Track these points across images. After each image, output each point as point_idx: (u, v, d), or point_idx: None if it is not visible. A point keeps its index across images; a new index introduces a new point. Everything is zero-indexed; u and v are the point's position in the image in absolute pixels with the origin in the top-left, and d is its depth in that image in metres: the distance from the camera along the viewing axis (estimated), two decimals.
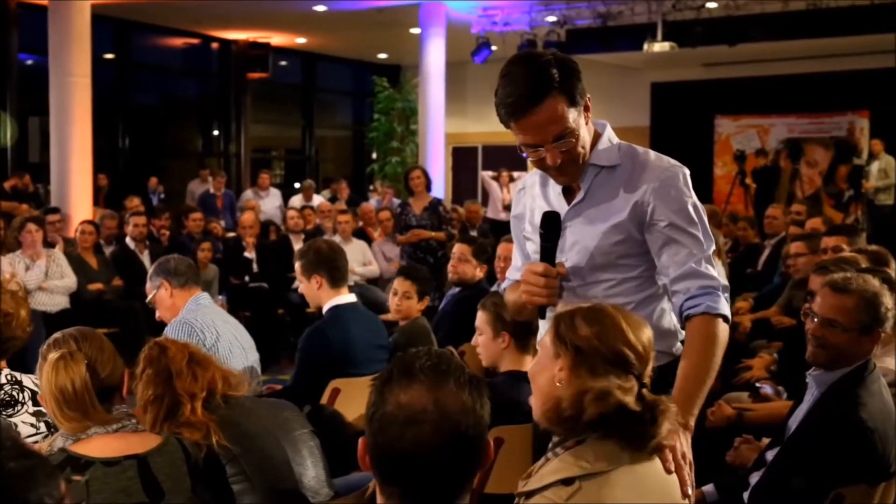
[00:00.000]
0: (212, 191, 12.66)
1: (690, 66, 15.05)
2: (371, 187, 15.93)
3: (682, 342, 2.40)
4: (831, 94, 14.35)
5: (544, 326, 2.40)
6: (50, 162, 10.01)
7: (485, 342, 3.63)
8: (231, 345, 3.76)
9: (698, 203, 2.36)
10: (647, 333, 1.94)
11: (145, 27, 14.24)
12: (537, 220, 2.42)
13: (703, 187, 15.18)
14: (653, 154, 2.42)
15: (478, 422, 1.54)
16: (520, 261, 2.62)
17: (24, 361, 3.00)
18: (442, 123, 13.53)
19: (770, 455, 3.02)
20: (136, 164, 14.23)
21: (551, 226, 2.36)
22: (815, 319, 2.93)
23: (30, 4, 11.61)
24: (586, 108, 2.34)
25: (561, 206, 2.44)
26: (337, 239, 8.52)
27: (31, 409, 2.74)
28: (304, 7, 12.66)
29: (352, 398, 3.86)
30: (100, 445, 2.21)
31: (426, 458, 1.50)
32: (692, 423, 2.14)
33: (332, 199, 13.28)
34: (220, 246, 9.67)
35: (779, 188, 13.98)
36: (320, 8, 12.73)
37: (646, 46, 12.25)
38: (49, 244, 7.85)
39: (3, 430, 1.12)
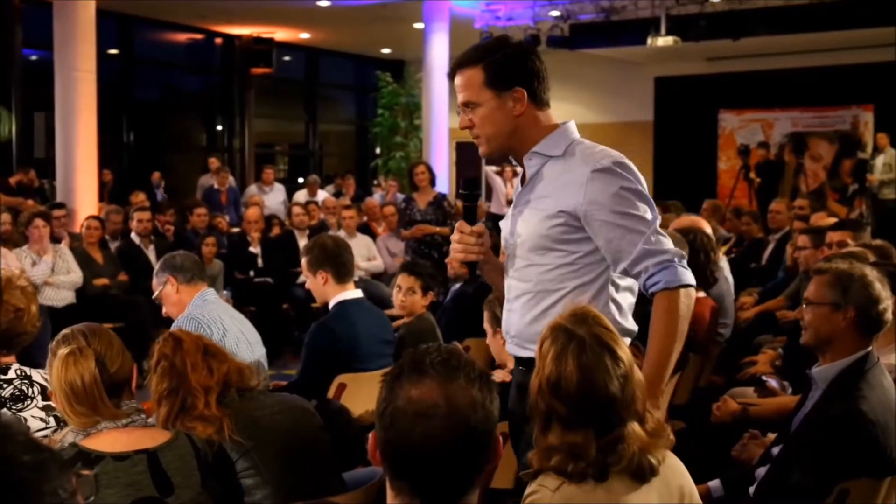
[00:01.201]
0: (216, 186, 12.68)
1: (694, 61, 15.04)
2: (375, 182, 15.94)
3: (628, 328, 2.52)
4: (835, 88, 14.34)
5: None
6: (55, 157, 10.05)
7: (489, 339, 3.66)
8: (238, 340, 3.78)
9: (632, 185, 2.43)
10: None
11: (149, 22, 14.25)
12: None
13: (707, 182, 15.20)
14: (595, 147, 2.52)
15: (487, 417, 1.56)
16: None
17: (29, 355, 3.01)
18: (445, 118, 13.53)
19: (776, 450, 3.04)
20: (140, 159, 14.26)
21: (470, 187, 2.59)
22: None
23: (34, 0, 11.63)
24: (517, 100, 2.49)
25: (517, 192, 2.64)
26: (341, 234, 8.54)
27: (41, 403, 2.76)
28: (307, 2, 12.67)
29: (358, 393, 3.88)
30: (110, 440, 2.23)
31: (436, 453, 1.52)
32: (660, 396, 2.37)
33: (337, 194, 13.30)
34: (224, 241, 9.69)
35: (783, 182, 13.97)
36: (324, 3, 12.74)
37: (649, 41, 12.24)
38: (55, 239, 7.87)
39: (14, 425, 1.13)
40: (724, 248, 7.35)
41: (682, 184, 14.28)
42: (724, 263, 5.40)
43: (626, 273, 2.43)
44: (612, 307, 2.48)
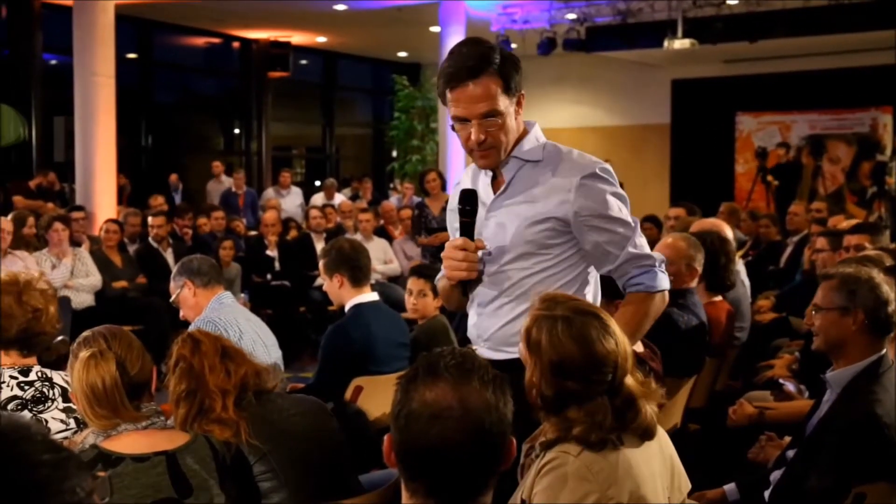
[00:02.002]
0: (233, 189, 12.74)
1: (711, 63, 14.99)
2: (392, 186, 15.97)
3: None
4: (854, 90, 14.26)
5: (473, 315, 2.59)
6: (75, 161, 10.12)
7: None
8: (254, 342, 3.80)
9: (619, 191, 2.52)
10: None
11: (168, 27, 14.35)
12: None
13: (725, 185, 15.13)
14: (575, 152, 2.55)
15: (501, 419, 1.57)
16: None
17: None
18: None
19: (791, 454, 3.03)
20: (158, 162, 14.34)
21: (469, 202, 2.49)
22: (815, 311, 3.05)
23: (54, 5, 11.73)
24: (519, 104, 2.49)
25: (488, 196, 2.57)
26: (358, 237, 8.57)
27: (61, 405, 2.79)
28: (324, 6, 12.72)
29: (374, 395, 3.90)
30: (130, 442, 2.25)
31: (450, 454, 1.53)
32: None
33: (354, 198, 13.33)
34: (242, 244, 9.74)
35: (801, 185, 13.91)
36: (340, 7, 12.78)
37: (666, 43, 12.20)
38: (75, 243, 7.93)
39: (33, 426, 1.16)
40: (740, 252, 7.33)
41: (699, 186, 14.23)
42: (740, 266, 5.39)
43: (608, 273, 2.53)
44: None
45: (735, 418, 3.75)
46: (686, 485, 2.21)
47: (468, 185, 2.62)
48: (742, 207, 11.05)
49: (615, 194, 2.49)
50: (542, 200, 2.47)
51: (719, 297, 4.54)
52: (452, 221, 2.69)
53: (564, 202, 2.45)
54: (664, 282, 2.51)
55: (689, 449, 3.66)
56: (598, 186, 2.46)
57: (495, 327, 2.54)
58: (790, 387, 4.28)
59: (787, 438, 3.31)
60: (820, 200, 9.69)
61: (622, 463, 2.02)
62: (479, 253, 2.50)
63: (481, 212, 2.54)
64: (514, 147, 2.51)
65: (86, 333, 2.41)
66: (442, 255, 2.53)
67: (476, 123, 2.42)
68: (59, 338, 2.66)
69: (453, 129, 2.52)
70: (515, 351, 2.42)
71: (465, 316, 2.72)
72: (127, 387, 2.30)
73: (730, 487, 3.12)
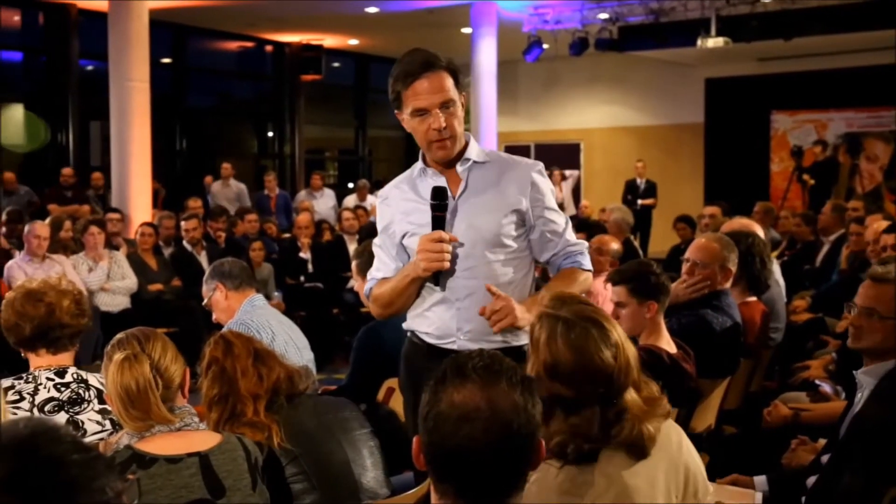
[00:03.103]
0: (266, 192, 12.82)
1: (745, 61, 14.86)
2: None
3: None
4: (891, 87, 14.03)
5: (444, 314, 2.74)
6: (111, 165, 10.25)
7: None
8: (286, 344, 3.82)
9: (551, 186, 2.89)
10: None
11: (201, 31, 14.48)
12: (414, 217, 2.76)
13: (760, 184, 14.99)
14: (513, 155, 2.89)
15: (529, 421, 1.57)
16: (391, 264, 2.86)
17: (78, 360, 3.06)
18: (494, 122, 13.54)
19: (825, 458, 2.99)
20: (193, 166, 14.47)
21: (440, 197, 2.68)
22: (855, 310, 3.01)
23: (90, 11, 11.88)
24: (463, 105, 2.74)
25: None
26: None
27: (97, 406, 2.82)
28: (356, 9, 12.77)
29: None
30: (163, 443, 2.27)
31: (479, 456, 1.53)
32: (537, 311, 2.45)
33: None
34: (275, 246, 9.80)
35: (837, 184, 13.75)
36: (372, 9, 12.82)
37: (699, 42, 12.12)
38: (112, 246, 8.03)
39: (61, 427, 1.18)
40: (776, 252, 7.25)
41: (734, 186, 14.11)
42: (775, 266, 5.33)
43: (546, 260, 2.84)
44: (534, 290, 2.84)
45: (770, 420, 3.71)
46: (705, 490, 2.16)
47: (407, 197, 2.82)
48: (777, 207, 10.94)
49: (551, 190, 2.86)
50: (503, 193, 2.73)
51: (754, 298, 4.50)
52: (384, 237, 2.88)
53: (521, 195, 2.74)
54: (589, 264, 2.85)
55: (724, 451, 3.64)
56: (545, 181, 2.81)
57: (474, 319, 2.69)
58: (826, 388, 4.23)
59: (822, 441, 3.26)
60: (857, 199, 9.55)
61: (610, 475, 1.99)
62: (452, 245, 2.69)
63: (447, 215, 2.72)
64: (462, 151, 2.75)
65: (119, 336, 2.43)
66: (418, 249, 2.66)
67: (437, 111, 2.64)
68: (97, 363, 2.68)
69: (406, 123, 2.73)
70: (496, 341, 2.65)
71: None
72: (160, 389, 2.33)
73: (759, 479, 3.09)
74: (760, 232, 5.10)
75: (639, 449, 2.03)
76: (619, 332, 2.11)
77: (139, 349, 2.35)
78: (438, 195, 2.67)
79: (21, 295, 2.90)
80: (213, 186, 12.86)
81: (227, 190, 12.68)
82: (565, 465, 1.99)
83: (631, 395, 2.06)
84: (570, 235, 2.83)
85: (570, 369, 2.04)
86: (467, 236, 2.70)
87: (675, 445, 2.13)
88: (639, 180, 14.20)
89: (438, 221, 2.67)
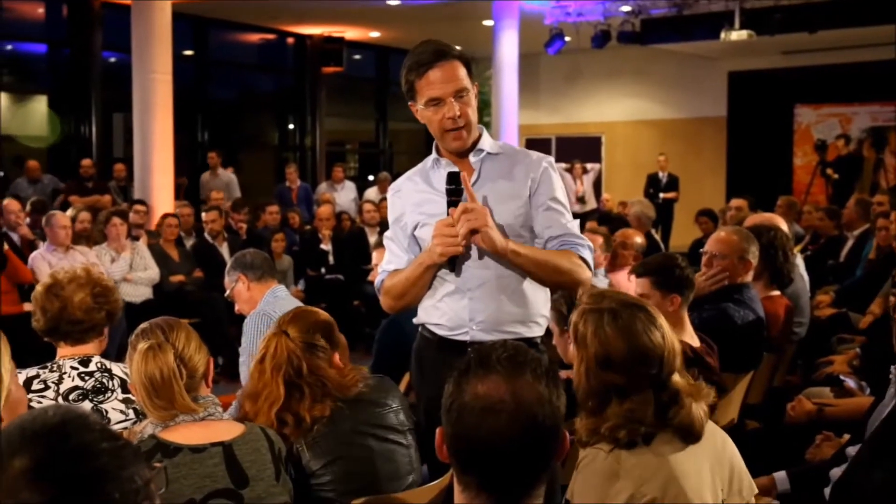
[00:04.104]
0: (287, 184, 12.85)
1: (769, 55, 14.75)
2: None
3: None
4: None
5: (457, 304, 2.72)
6: (133, 156, 10.30)
7: (555, 339, 3.65)
8: None
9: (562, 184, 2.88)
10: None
11: (223, 24, 14.52)
12: (426, 208, 2.77)
13: (783, 178, 14.88)
14: (524, 148, 2.92)
15: (553, 412, 1.56)
16: (403, 256, 2.85)
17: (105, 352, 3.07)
18: (515, 115, 13.50)
19: (851, 450, 2.97)
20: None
21: (456, 182, 2.66)
22: None
23: (113, 4, 11.94)
24: (476, 97, 2.75)
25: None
26: None
27: (121, 396, 2.83)
28: (377, 1, 12.77)
29: None
30: (187, 432, 2.28)
31: (503, 448, 1.52)
32: (510, 245, 2.61)
33: None
34: (296, 238, 9.82)
35: (861, 178, 13.61)
36: (393, 2, 12.81)
37: (723, 35, 12.02)
38: (133, 237, 8.08)
39: (90, 415, 1.18)
40: (799, 246, 7.20)
41: (757, 180, 14.01)
42: (799, 261, 5.29)
43: (543, 246, 2.76)
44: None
45: (794, 415, 3.68)
46: (750, 489, 2.17)
47: (420, 188, 2.83)
48: (800, 201, 10.86)
49: (560, 187, 2.83)
50: (515, 184, 2.74)
51: (777, 292, 4.47)
52: (395, 228, 2.87)
53: (530, 185, 2.74)
54: (587, 256, 2.72)
55: (747, 446, 3.62)
56: (555, 175, 2.81)
57: (488, 309, 2.70)
58: (851, 383, 4.20)
59: (846, 437, 3.24)
60: (882, 193, 9.45)
61: (659, 460, 2.00)
62: None
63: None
64: (475, 142, 2.76)
65: (143, 325, 2.45)
66: (433, 234, 2.64)
67: (451, 100, 2.66)
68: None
69: (419, 115, 2.75)
70: (509, 332, 2.64)
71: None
72: (184, 379, 2.33)
73: (780, 476, 3.07)
74: (784, 226, 5.06)
75: (691, 433, 2.05)
76: (661, 316, 2.14)
77: (163, 339, 2.36)
78: (454, 180, 2.67)
79: (44, 287, 2.91)
80: (203, 177, 12.70)
81: (217, 180, 12.41)
82: (615, 449, 2.01)
83: (678, 377, 2.09)
84: (575, 229, 2.78)
85: (621, 355, 2.05)
86: None
87: (719, 442, 2.14)
88: (661, 174, 14.14)
89: (454, 206, 2.66)
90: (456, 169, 2.72)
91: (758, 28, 11.88)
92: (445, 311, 2.76)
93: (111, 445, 1.13)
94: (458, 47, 2.73)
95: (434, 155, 2.84)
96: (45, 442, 1.10)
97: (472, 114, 2.71)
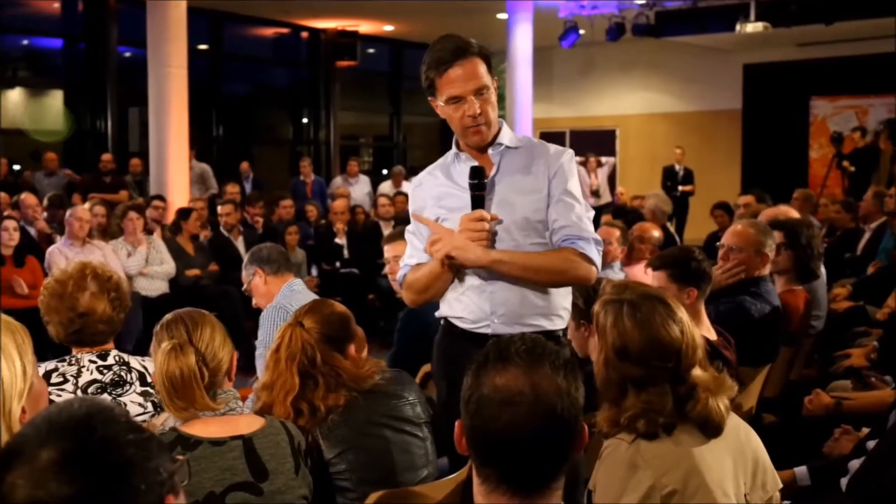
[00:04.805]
0: (302, 178, 12.87)
1: (784, 47, 14.66)
2: None
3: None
4: None
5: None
6: (149, 150, 10.35)
7: (571, 333, 3.64)
8: None
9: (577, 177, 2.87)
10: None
11: (238, 18, 14.56)
12: (447, 202, 2.79)
13: (798, 171, 14.80)
14: (543, 141, 2.90)
15: (572, 404, 1.56)
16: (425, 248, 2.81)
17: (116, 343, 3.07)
18: (529, 108, 13.49)
19: (871, 444, 2.95)
20: (229, 152, 14.57)
21: (479, 176, 2.69)
22: None
23: None
24: (495, 91, 2.76)
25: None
26: None
27: (139, 389, 2.85)
28: None
29: None
30: (207, 426, 2.28)
31: (522, 440, 1.53)
32: (492, 256, 2.63)
33: None
34: (311, 231, 9.84)
35: (878, 171, 13.51)
36: None
37: (738, 27, 11.97)
38: (148, 231, 8.11)
39: (116, 407, 1.19)
40: None
41: (772, 173, 13.94)
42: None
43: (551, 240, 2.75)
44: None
45: (811, 408, 3.67)
46: (774, 483, 2.17)
47: (440, 182, 2.85)
48: (816, 194, 10.80)
49: (580, 180, 2.86)
50: (534, 177, 2.75)
51: (799, 287, 4.45)
52: (420, 229, 2.86)
53: (548, 177, 2.74)
54: (593, 253, 2.68)
55: (764, 439, 3.61)
56: (572, 169, 2.80)
57: (508, 303, 2.70)
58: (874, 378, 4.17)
59: (865, 430, 3.22)
60: None
61: (680, 451, 2.01)
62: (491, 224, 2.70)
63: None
64: (495, 137, 2.77)
65: (169, 317, 2.44)
66: (460, 229, 2.65)
67: (471, 98, 2.67)
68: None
69: (440, 111, 2.76)
70: (531, 325, 2.64)
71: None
72: (207, 378, 2.33)
73: (800, 470, 3.06)
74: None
75: (712, 427, 2.06)
76: (682, 310, 2.14)
77: (186, 339, 2.35)
78: (477, 174, 2.69)
79: (57, 298, 2.89)
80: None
81: (190, 172, 12.05)
82: (637, 440, 2.02)
83: (699, 372, 2.09)
84: (586, 224, 2.74)
85: (639, 347, 2.07)
86: (502, 216, 2.72)
87: (743, 435, 2.15)
88: (677, 167, 14.09)
89: (478, 201, 2.69)
90: (477, 163, 2.74)
91: (773, 20, 11.82)
92: (468, 304, 2.77)
93: (137, 437, 1.14)
94: (477, 42, 2.74)
95: (454, 150, 2.85)
96: (73, 434, 1.11)
97: (493, 110, 2.73)
